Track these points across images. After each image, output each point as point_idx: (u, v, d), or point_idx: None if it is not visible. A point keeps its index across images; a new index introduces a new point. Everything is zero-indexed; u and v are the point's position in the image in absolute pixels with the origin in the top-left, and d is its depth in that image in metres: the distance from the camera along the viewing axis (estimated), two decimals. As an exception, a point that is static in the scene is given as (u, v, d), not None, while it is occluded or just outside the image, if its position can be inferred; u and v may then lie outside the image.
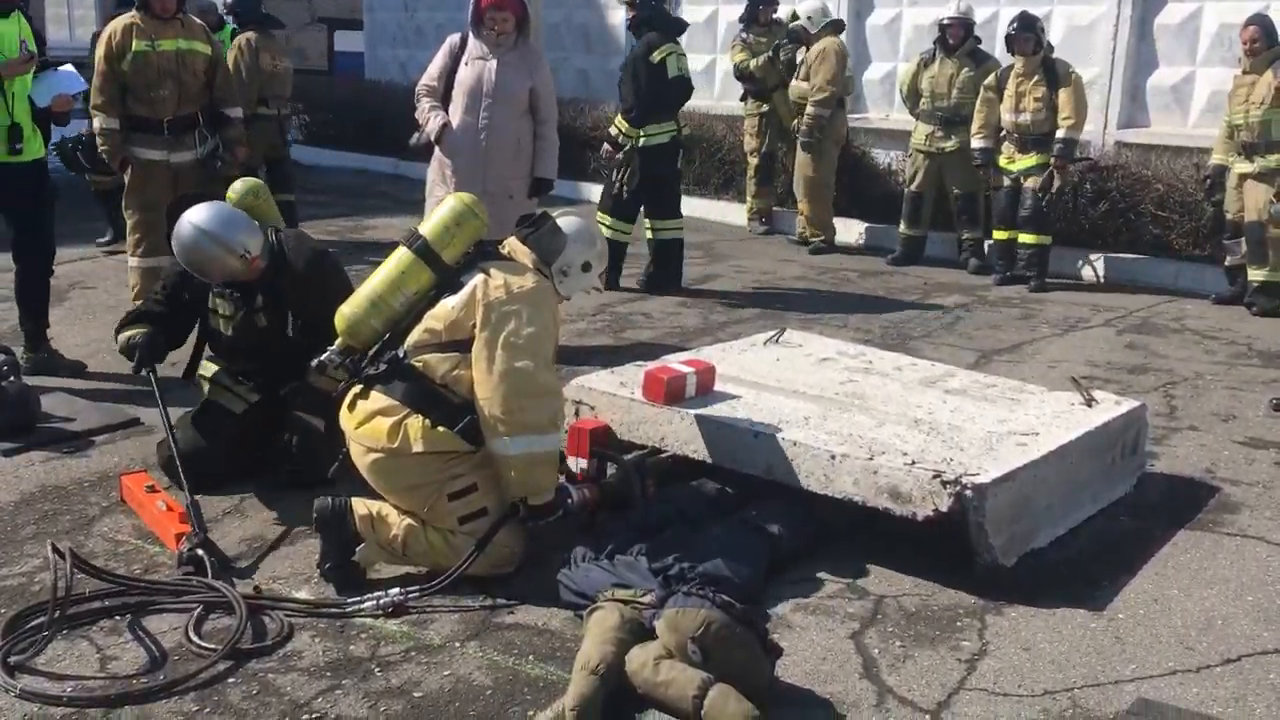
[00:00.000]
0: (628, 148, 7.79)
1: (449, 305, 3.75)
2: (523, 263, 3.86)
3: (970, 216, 9.20)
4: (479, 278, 3.74)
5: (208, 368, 4.68)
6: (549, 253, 3.90)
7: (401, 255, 3.85)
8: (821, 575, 3.87)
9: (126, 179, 6.80)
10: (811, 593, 3.75)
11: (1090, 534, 4.23)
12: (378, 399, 3.72)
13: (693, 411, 4.27)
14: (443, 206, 3.92)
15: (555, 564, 3.68)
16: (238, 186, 4.87)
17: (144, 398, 5.22)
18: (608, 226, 7.82)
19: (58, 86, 5.70)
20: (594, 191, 11.72)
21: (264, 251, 4.37)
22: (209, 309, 4.56)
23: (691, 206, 11.18)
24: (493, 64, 6.11)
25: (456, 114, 6.18)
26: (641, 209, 8.06)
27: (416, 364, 3.72)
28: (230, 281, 4.40)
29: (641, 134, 7.78)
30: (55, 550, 3.39)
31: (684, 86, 7.86)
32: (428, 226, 3.89)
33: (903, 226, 9.46)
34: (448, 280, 3.82)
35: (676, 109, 7.97)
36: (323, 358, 3.88)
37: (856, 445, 3.99)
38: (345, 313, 3.86)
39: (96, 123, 6.65)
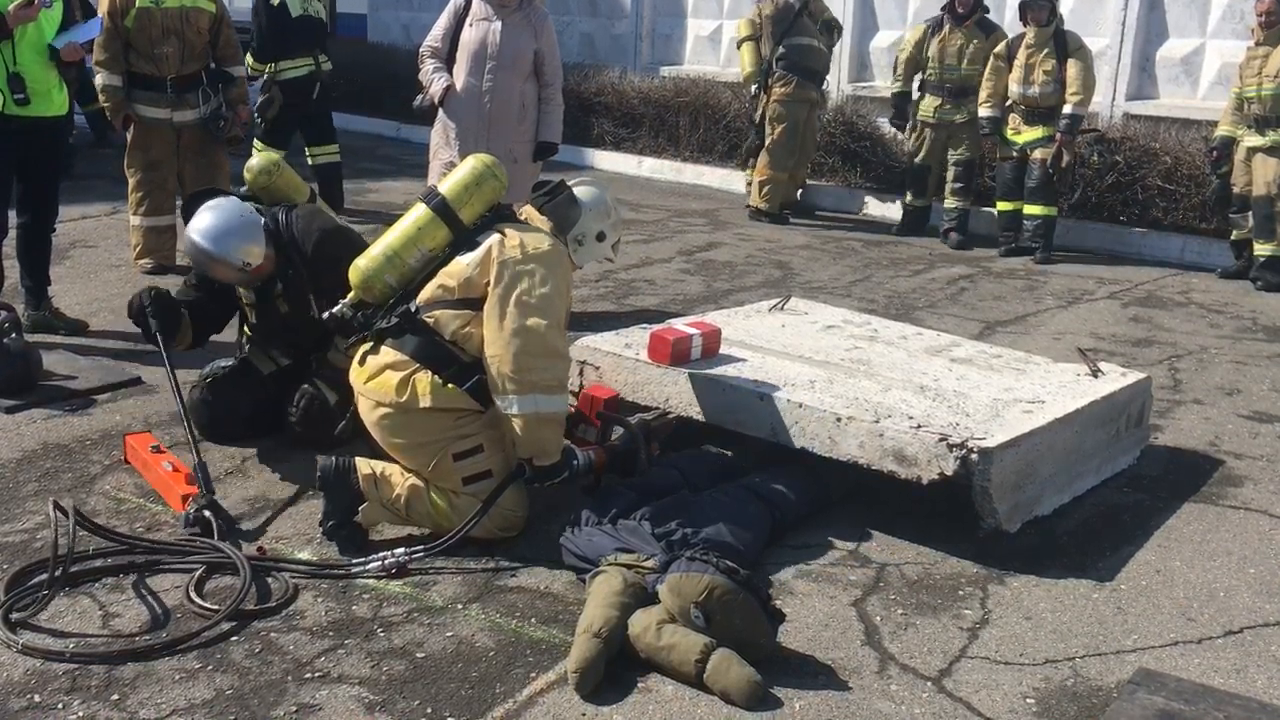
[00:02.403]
0: (264, 79, 8.40)
1: (463, 263, 3.74)
2: (538, 227, 3.86)
3: (965, 184, 9.09)
4: (495, 237, 3.73)
5: (248, 328, 4.69)
6: (565, 222, 3.89)
7: (419, 212, 3.85)
8: (824, 542, 3.87)
9: (129, 137, 6.76)
10: (814, 559, 3.75)
11: (1093, 505, 4.23)
12: (388, 354, 3.71)
13: (698, 373, 4.26)
14: (464, 166, 3.91)
15: (558, 528, 3.68)
16: (253, 165, 4.75)
17: (146, 357, 5.23)
18: (259, 152, 8.35)
19: (75, 36, 5.57)
20: (598, 157, 11.70)
21: (267, 254, 4.32)
22: (237, 296, 4.58)
23: (697, 173, 11.18)
24: (497, 26, 6.05)
25: (460, 76, 6.12)
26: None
27: (428, 319, 3.71)
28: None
29: (273, 68, 8.39)
30: (58, 507, 3.39)
31: (311, 24, 8.45)
32: (447, 185, 3.88)
33: (908, 197, 9.40)
34: (464, 239, 3.81)
35: (311, 45, 8.56)
36: (335, 310, 3.89)
37: (862, 408, 3.98)
38: (360, 266, 3.85)
39: (99, 80, 6.61)
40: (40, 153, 5.57)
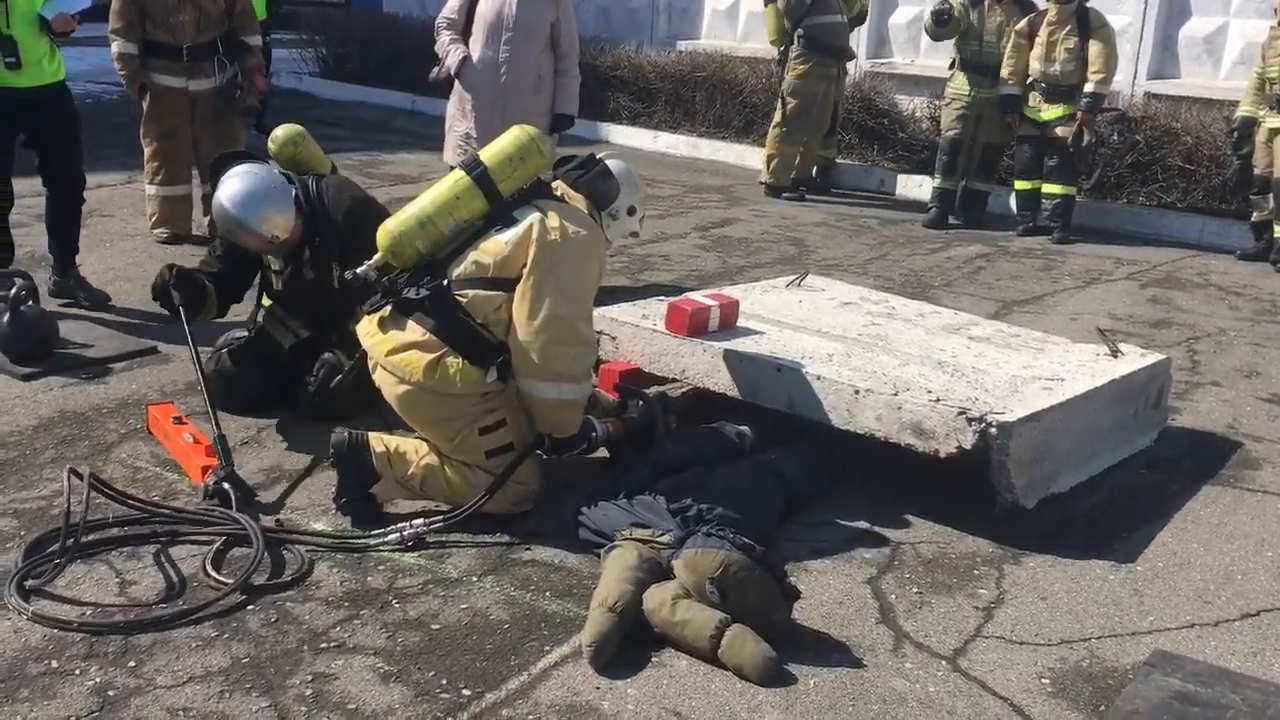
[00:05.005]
0: None
1: (501, 241, 3.63)
2: (577, 207, 3.79)
3: (989, 170, 9.01)
4: (535, 216, 3.62)
5: (266, 299, 4.68)
6: (603, 198, 3.84)
7: (458, 179, 3.73)
8: (839, 520, 3.86)
9: (144, 105, 6.75)
10: (829, 537, 3.74)
11: (1110, 486, 4.21)
12: (414, 330, 3.63)
13: (715, 344, 4.24)
14: (507, 136, 3.79)
15: (573, 502, 3.67)
16: (279, 135, 4.70)
17: (162, 326, 5.22)
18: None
19: (66, 6, 5.51)
20: (613, 131, 11.64)
21: (295, 226, 4.30)
22: (262, 263, 4.56)
23: (713, 149, 11.12)
24: (514, -3, 6.01)
25: (476, 48, 6.08)
26: None
27: (460, 298, 3.63)
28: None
29: None
30: (74, 474, 3.39)
31: None
32: (491, 155, 3.75)
33: (936, 179, 8.97)
34: (501, 212, 3.70)
35: None
36: (359, 271, 3.79)
37: (881, 382, 3.96)
38: (390, 229, 3.73)
39: (114, 48, 6.58)
40: (45, 122, 5.50)
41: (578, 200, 3.81)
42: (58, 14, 5.40)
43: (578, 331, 3.59)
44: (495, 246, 3.64)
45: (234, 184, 4.22)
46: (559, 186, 3.85)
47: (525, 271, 3.56)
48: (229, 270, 4.57)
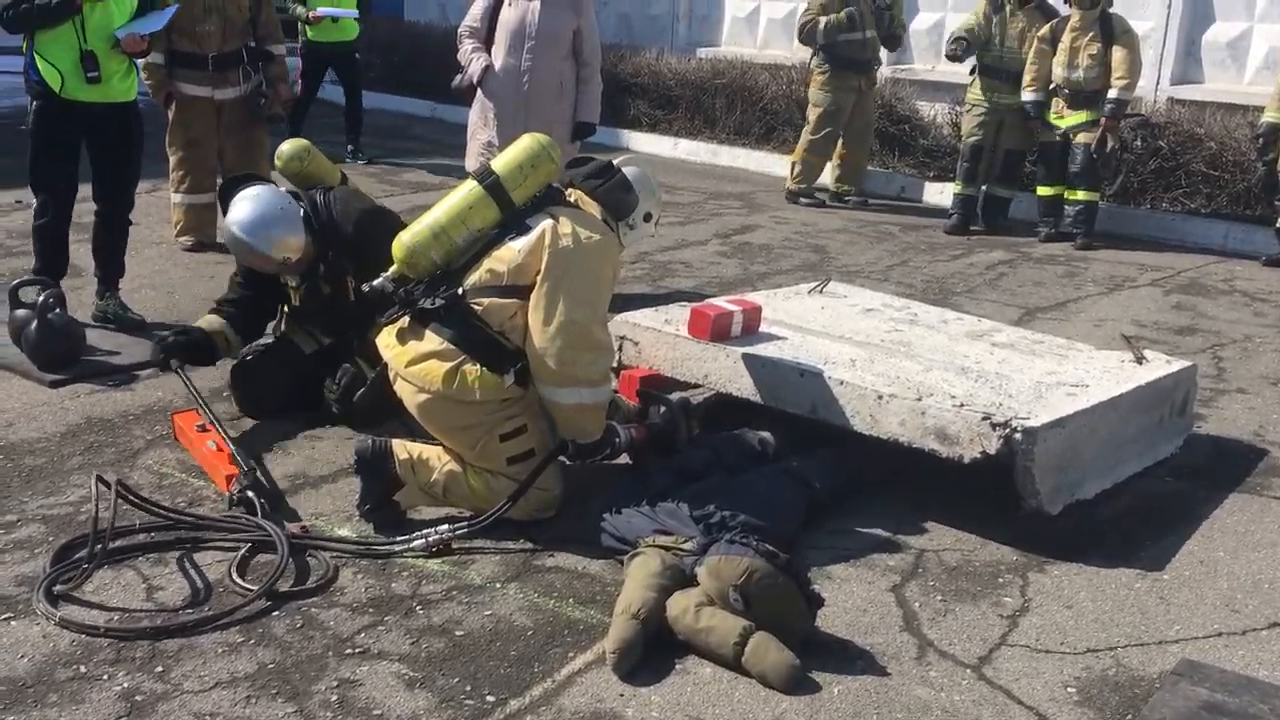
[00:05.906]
0: None
1: (514, 248, 3.66)
2: (590, 213, 3.80)
3: (1011, 176, 8.96)
4: (548, 223, 3.65)
5: (287, 308, 4.71)
6: (620, 207, 3.86)
7: (470, 189, 3.77)
8: (862, 528, 3.85)
9: (170, 114, 6.80)
10: (852, 545, 3.74)
11: (1135, 494, 4.18)
12: (431, 340, 3.66)
13: (738, 349, 4.25)
14: (519, 145, 3.83)
15: (595, 509, 3.67)
16: (284, 151, 4.74)
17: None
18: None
19: (137, 27, 5.41)
20: (634, 138, 11.66)
21: (305, 245, 4.34)
22: (282, 280, 4.59)
23: (733, 156, 11.12)
24: (535, 5, 6.03)
25: (499, 56, 6.11)
26: None
27: (475, 307, 3.65)
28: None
29: None
30: (101, 481, 3.42)
31: None
32: (501, 164, 3.80)
33: (958, 186, 8.93)
34: (514, 220, 3.74)
35: None
36: (375, 283, 3.81)
37: (904, 387, 3.96)
38: (405, 241, 3.76)
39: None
40: (104, 140, 5.46)
41: (592, 207, 3.82)
42: (129, 34, 5.37)
43: (593, 336, 3.60)
44: (509, 254, 3.66)
45: (242, 209, 4.27)
46: (573, 193, 3.86)
47: (539, 278, 3.59)
48: (253, 295, 4.60)
